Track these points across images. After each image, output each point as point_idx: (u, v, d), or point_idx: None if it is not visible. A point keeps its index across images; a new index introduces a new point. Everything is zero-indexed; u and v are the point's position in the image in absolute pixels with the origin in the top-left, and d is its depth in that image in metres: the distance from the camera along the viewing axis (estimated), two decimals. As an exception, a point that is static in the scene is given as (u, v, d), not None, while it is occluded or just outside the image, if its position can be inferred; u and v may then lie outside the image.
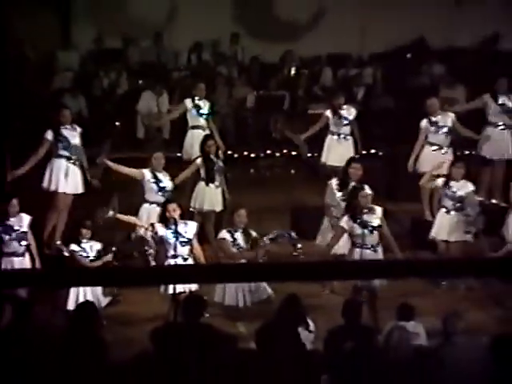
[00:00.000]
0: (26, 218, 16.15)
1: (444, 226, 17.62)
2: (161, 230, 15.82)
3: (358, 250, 16.19)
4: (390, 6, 24.70)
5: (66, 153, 18.07)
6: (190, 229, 15.89)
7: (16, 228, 16.02)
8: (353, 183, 16.92)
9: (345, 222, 16.15)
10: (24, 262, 15.93)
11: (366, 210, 16.26)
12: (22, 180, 17.89)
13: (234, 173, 20.11)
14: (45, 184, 18.21)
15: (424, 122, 19.36)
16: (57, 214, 18.26)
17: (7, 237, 15.89)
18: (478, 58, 23.95)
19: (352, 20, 24.78)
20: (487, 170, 20.16)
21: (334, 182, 17.32)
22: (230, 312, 15.88)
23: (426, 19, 24.68)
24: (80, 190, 18.32)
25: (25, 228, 16.04)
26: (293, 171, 21.85)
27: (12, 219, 16.03)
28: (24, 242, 15.99)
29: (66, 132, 18.02)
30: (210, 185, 18.09)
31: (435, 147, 19.34)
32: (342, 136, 19.68)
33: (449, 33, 24.70)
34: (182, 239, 15.65)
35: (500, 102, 19.89)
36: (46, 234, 17.82)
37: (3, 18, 23.55)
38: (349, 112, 19.78)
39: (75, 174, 18.30)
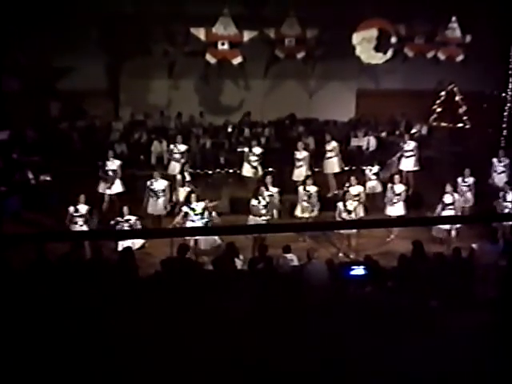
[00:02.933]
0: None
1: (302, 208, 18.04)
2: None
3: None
4: (277, 96, 24.97)
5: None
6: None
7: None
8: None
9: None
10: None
11: None
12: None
13: (201, 181, 20.35)
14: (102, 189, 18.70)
15: None
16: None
17: None
18: (317, 124, 23.97)
19: (257, 104, 24.84)
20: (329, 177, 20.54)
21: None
22: (199, 251, 16.10)
23: (295, 103, 25.02)
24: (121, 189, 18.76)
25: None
26: (230, 180, 21.82)
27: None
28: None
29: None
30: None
31: None
32: (253, 160, 20.10)
33: (306, 111, 25.07)
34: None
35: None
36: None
37: (85, 105, 23.83)
38: (257, 150, 20.18)
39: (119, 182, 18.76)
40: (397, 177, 18.49)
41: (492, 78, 24.56)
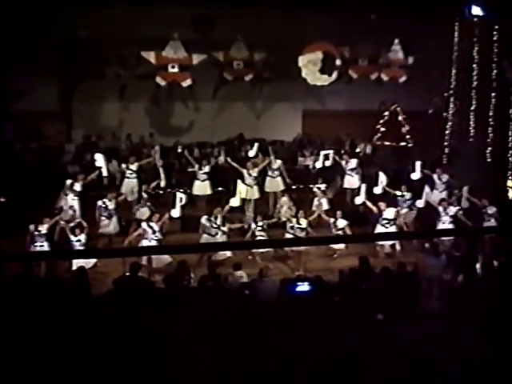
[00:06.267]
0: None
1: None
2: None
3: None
4: (226, 117, 25.23)
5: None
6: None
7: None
8: None
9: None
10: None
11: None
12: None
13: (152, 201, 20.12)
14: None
15: None
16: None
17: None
18: (265, 144, 23.24)
19: (207, 125, 25.09)
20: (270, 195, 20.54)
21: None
22: (151, 269, 15.83)
23: (244, 124, 25.18)
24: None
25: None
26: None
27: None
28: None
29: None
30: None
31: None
32: (203, 179, 20.06)
33: (254, 131, 25.08)
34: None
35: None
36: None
37: (38, 127, 23.60)
38: (206, 168, 20.07)
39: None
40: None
41: (433, 98, 24.92)
